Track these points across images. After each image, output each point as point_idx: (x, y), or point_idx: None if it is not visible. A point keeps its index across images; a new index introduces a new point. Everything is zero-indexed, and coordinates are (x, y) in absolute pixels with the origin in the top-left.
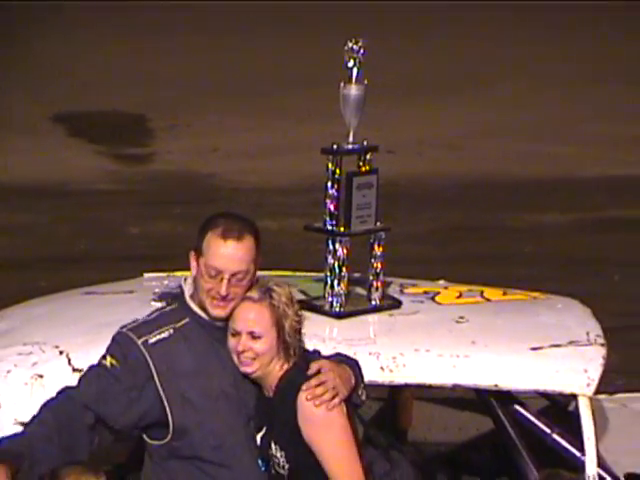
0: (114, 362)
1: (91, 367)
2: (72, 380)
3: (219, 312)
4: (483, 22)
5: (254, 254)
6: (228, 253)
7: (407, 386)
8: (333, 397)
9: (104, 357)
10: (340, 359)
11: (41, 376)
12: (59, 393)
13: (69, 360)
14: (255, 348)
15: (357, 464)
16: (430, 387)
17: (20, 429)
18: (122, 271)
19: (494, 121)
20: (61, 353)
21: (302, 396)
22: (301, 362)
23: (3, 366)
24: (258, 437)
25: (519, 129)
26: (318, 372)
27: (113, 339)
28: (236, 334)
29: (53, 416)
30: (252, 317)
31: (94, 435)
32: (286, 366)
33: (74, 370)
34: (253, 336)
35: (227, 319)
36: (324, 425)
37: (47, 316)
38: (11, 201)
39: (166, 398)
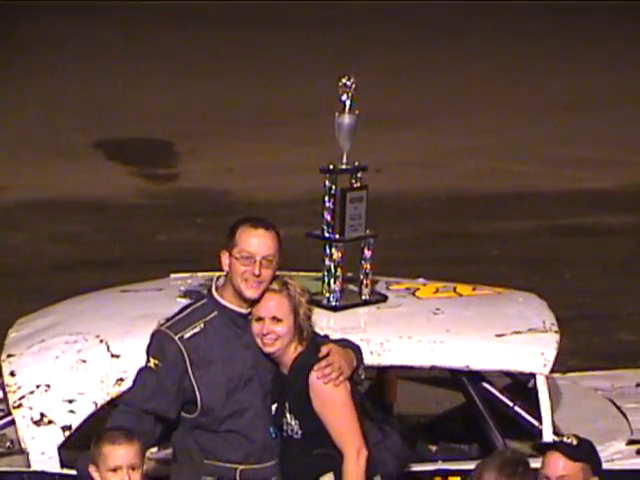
0: (157, 362)
1: (140, 370)
2: (110, 364)
3: (252, 292)
4: (452, 55)
5: (278, 245)
6: (259, 238)
7: (392, 367)
8: (338, 376)
9: (148, 359)
10: (345, 344)
11: (84, 361)
12: (122, 404)
13: (108, 347)
14: (277, 331)
15: (357, 431)
16: (411, 368)
17: (67, 407)
18: (152, 273)
19: (464, 144)
20: (101, 341)
21: (313, 375)
22: (312, 345)
23: (52, 352)
24: (273, 407)
25: (485, 150)
26: (327, 355)
27: (152, 337)
28: (260, 320)
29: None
30: (274, 304)
31: (156, 429)
32: (300, 348)
33: (112, 356)
34: (275, 320)
35: (253, 303)
36: (330, 399)
37: (89, 310)
38: (58, 214)
39: (197, 384)
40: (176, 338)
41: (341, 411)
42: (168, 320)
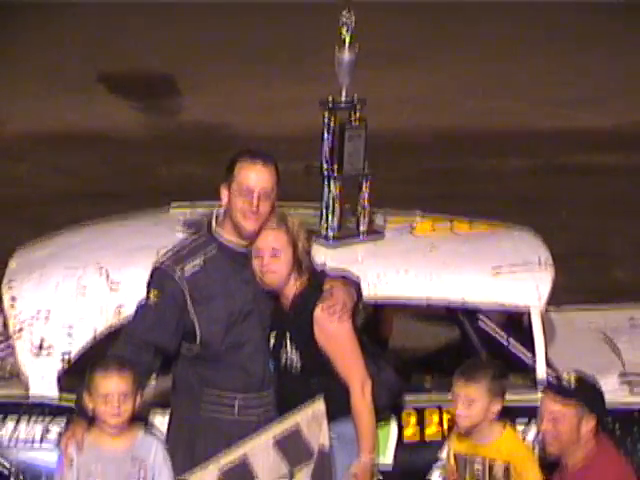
0: (157, 297)
1: (140, 305)
2: (108, 291)
3: (251, 225)
4: None
5: (276, 178)
6: (257, 172)
7: (388, 301)
8: (342, 312)
9: (148, 294)
10: (344, 278)
11: (84, 288)
12: (123, 335)
13: (107, 275)
14: (275, 265)
15: (361, 364)
16: (408, 301)
17: (66, 333)
18: (152, 204)
19: (464, 83)
20: (101, 269)
21: (318, 311)
22: (314, 280)
23: (53, 280)
24: (272, 340)
25: (485, 90)
26: (331, 291)
27: (153, 273)
28: (259, 254)
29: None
30: (272, 239)
31: (155, 360)
32: (300, 282)
33: (111, 283)
34: (274, 254)
35: (252, 237)
36: (335, 334)
37: (89, 240)
38: (60, 147)
39: (197, 319)
40: (176, 274)
41: (346, 345)
42: (169, 256)
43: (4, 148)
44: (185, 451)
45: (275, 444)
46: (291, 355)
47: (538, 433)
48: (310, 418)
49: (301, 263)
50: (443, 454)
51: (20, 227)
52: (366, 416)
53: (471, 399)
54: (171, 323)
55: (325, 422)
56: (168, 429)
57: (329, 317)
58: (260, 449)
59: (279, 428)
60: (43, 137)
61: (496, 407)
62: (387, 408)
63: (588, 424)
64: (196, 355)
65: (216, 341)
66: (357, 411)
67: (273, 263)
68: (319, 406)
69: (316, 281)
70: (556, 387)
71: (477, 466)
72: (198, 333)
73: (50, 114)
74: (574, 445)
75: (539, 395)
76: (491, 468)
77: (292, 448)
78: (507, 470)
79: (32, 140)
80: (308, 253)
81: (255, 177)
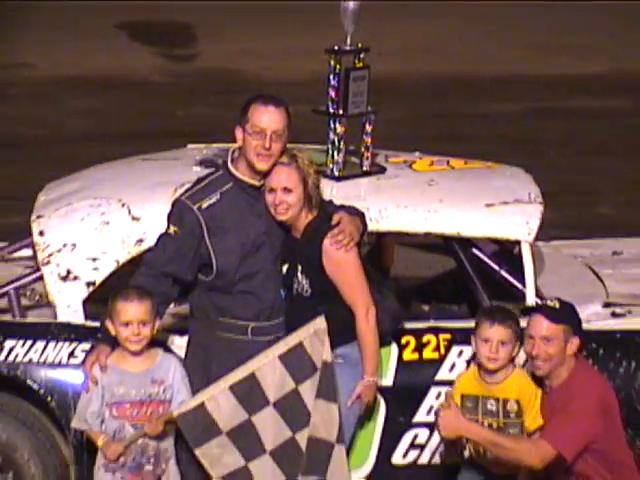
0: (177, 229)
1: (160, 237)
2: (131, 226)
3: (263, 165)
4: None
5: (288, 120)
6: (269, 114)
7: (389, 233)
8: (349, 243)
9: (168, 226)
10: (351, 211)
11: (107, 223)
12: (143, 266)
13: (129, 210)
14: (288, 200)
15: (366, 291)
16: (407, 234)
17: (91, 264)
18: (170, 144)
19: (461, 32)
20: (123, 205)
21: (327, 242)
22: (323, 213)
23: (78, 215)
24: (284, 269)
25: (480, 38)
26: (339, 223)
27: (173, 206)
28: (272, 190)
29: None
30: (284, 176)
31: (174, 289)
32: (311, 215)
33: (133, 218)
34: (286, 190)
35: (265, 175)
36: (343, 263)
37: (112, 177)
38: (83, 90)
39: (212, 250)
40: (194, 207)
41: (352, 274)
42: (187, 190)
43: (33, 92)
44: (201, 372)
45: (281, 361)
46: (301, 283)
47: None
48: (312, 335)
49: (311, 198)
50: (438, 376)
51: (48, 165)
52: (370, 340)
53: (504, 343)
54: (189, 254)
55: (327, 339)
56: (186, 352)
57: (337, 247)
58: (267, 366)
59: (284, 346)
60: (69, 81)
61: (517, 350)
62: (389, 333)
63: (573, 345)
64: (212, 284)
65: (230, 271)
66: (362, 335)
67: (286, 198)
68: (321, 324)
69: (325, 214)
70: (547, 312)
71: (490, 406)
72: (214, 263)
73: (75, 60)
74: (561, 366)
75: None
76: (504, 405)
77: (297, 364)
78: (518, 405)
79: (58, 84)
80: (317, 188)
81: (267, 119)
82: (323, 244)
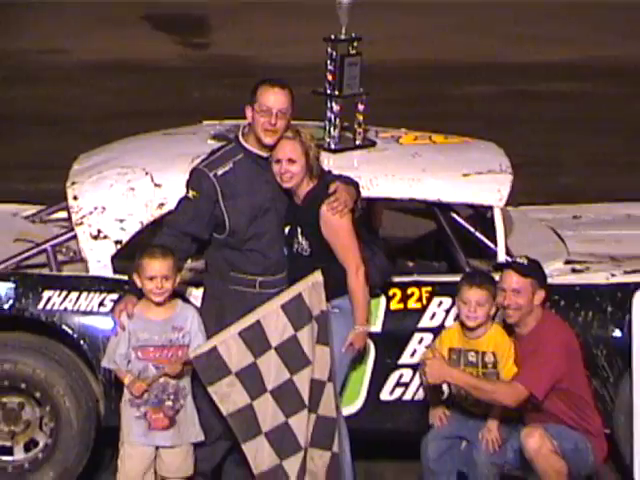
0: (195, 194)
1: (181, 200)
2: (153, 191)
3: (270, 139)
4: None
5: (291, 101)
6: (275, 95)
7: (379, 199)
8: (344, 209)
9: (187, 191)
10: (346, 180)
11: (133, 189)
12: (166, 226)
13: (152, 178)
14: (292, 170)
15: (357, 253)
16: (394, 200)
17: (118, 225)
18: (188, 121)
19: (444, 22)
20: (146, 173)
21: (324, 207)
22: (321, 182)
23: (107, 181)
24: (286, 230)
25: (461, 28)
26: (335, 191)
27: (192, 173)
28: (279, 161)
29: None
30: (289, 148)
31: (192, 247)
32: (311, 184)
33: (155, 185)
34: (290, 161)
35: (272, 148)
36: (337, 227)
37: (137, 149)
38: (111, 73)
39: (226, 212)
40: (211, 175)
41: (345, 237)
42: (204, 160)
43: (67, 74)
44: (215, 320)
45: (282, 310)
46: (301, 244)
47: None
48: (310, 287)
49: (312, 168)
50: (420, 324)
51: (81, 138)
52: (360, 293)
53: (481, 303)
54: (205, 216)
55: (323, 291)
56: (201, 303)
57: (332, 213)
58: (270, 314)
59: (285, 297)
60: (99, 65)
61: (494, 309)
62: (378, 286)
63: (539, 297)
64: (224, 242)
65: (241, 231)
66: (352, 289)
67: (290, 168)
68: (317, 278)
69: (324, 183)
70: (517, 267)
71: (471, 358)
72: (227, 223)
73: (104, 47)
74: (529, 315)
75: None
76: (483, 356)
77: (296, 312)
78: (495, 356)
79: (90, 68)
80: (317, 160)
81: (274, 99)
82: (321, 210)
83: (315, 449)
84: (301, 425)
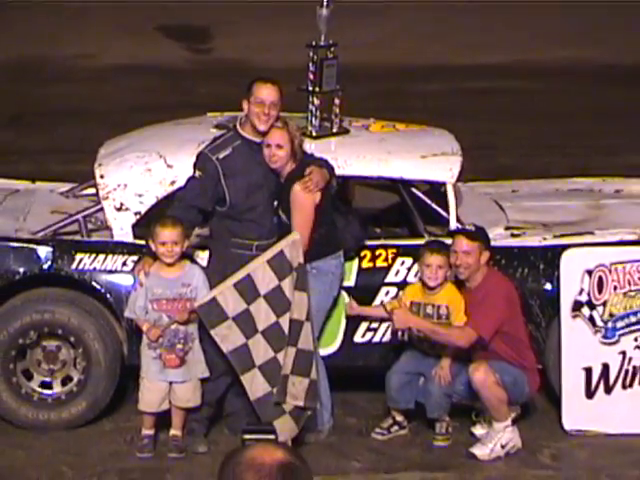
0: (200, 173)
1: (189, 179)
2: (166, 171)
3: (264, 126)
4: None
5: (281, 95)
6: (268, 89)
7: (352, 177)
8: (314, 188)
9: (194, 171)
10: (321, 163)
11: (149, 169)
12: (176, 200)
13: (165, 160)
14: (279, 154)
15: (307, 232)
16: (365, 177)
17: (138, 199)
18: (194, 113)
19: (407, 30)
20: (161, 156)
21: (295, 186)
22: (301, 165)
23: (128, 163)
24: (275, 204)
25: (420, 35)
26: (310, 172)
27: (198, 157)
28: (268, 146)
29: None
30: (278, 135)
31: (198, 217)
32: (294, 166)
33: (168, 166)
34: (278, 147)
35: (264, 134)
36: (299, 206)
37: (153, 136)
38: (131, 74)
39: (226, 188)
40: (213, 158)
41: (303, 216)
42: (208, 145)
43: (94, 75)
44: (218, 277)
45: (268, 264)
46: (282, 214)
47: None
48: (290, 244)
49: (296, 154)
50: (387, 279)
51: (106, 128)
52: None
53: (441, 266)
54: (209, 191)
55: (301, 247)
56: (207, 263)
57: (305, 190)
58: (258, 268)
59: (270, 253)
60: (120, 67)
61: (449, 271)
62: (352, 249)
63: (484, 257)
64: (225, 214)
65: (239, 203)
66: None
67: (278, 152)
68: (295, 236)
69: (302, 167)
70: (466, 233)
71: (429, 310)
72: (227, 198)
73: (125, 52)
74: (477, 272)
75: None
76: (438, 309)
77: (279, 265)
78: (448, 309)
79: (113, 69)
80: (301, 147)
81: (266, 92)
82: (292, 187)
83: (296, 376)
84: (290, 361)
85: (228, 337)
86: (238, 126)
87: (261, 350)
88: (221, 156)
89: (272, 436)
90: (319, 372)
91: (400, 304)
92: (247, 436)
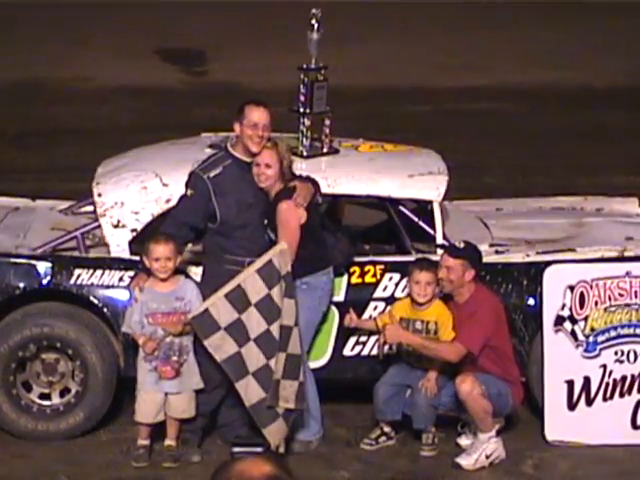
0: (192, 192)
1: (181, 197)
2: (162, 190)
3: (256, 148)
4: None
5: (271, 117)
6: (259, 112)
7: (342, 195)
8: (303, 203)
9: (186, 190)
10: (306, 179)
11: (145, 187)
12: (169, 218)
13: (161, 179)
14: (267, 173)
15: (291, 241)
16: (354, 196)
17: (134, 216)
18: (190, 133)
19: (391, 54)
20: (156, 175)
21: (282, 204)
22: (290, 185)
23: (125, 182)
24: (265, 222)
25: (405, 59)
26: (294, 187)
27: (190, 176)
28: (258, 165)
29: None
30: (267, 156)
31: (190, 234)
32: (282, 186)
33: (163, 184)
34: (267, 166)
35: (255, 155)
36: (283, 222)
37: (149, 156)
38: (129, 95)
39: (217, 206)
40: (204, 176)
41: (287, 231)
42: (200, 164)
43: (93, 96)
44: (211, 293)
45: (257, 273)
46: (271, 233)
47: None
48: (278, 254)
49: (284, 174)
50: (375, 295)
51: (104, 147)
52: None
53: (429, 283)
54: (201, 210)
55: (289, 257)
56: (201, 278)
57: (295, 205)
58: (249, 278)
59: (259, 263)
60: (118, 89)
61: (438, 288)
62: (342, 265)
63: (469, 274)
64: (217, 231)
65: (230, 220)
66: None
67: (266, 171)
68: (283, 246)
69: (290, 187)
70: (449, 249)
71: (418, 326)
72: (218, 215)
73: (123, 74)
74: (461, 288)
75: (439, 254)
76: (427, 325)
77: (268, 274)
78: (436, 325)
79: (112, 91)
80: (290, 168)
81: (258, 115)
82: (278, 205)
83: (286, 380)
84: (281, 366)
85: (221, 347)
86: (229, 146)
87: (254, 358)
88: (212, 175)
89: (260, 449)
90: (308, 382)
91: (392, 319)
92: (236, 449)
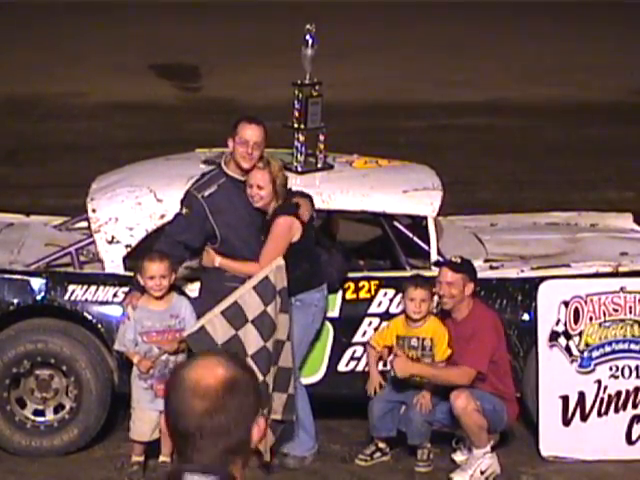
0: (187, 211)
1: (176, 215)
2: (156, 205)
3: (247, 165)
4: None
5: (265, 136)
6: (252, 130)
7: (336, 211)
8: (304, 216)
9: (181, 209)
10: (301, 196)
11: (140, 203)
12: (163, 236)
13: (155, 195)
14: (260, 193)
15: (273, 254)
16: (348, 212)
17: (128, 232)
18: (184, 149)
19: (385, 71)
20: (151, 191)
21: (280, 218)
22: (285, 201)
23: (119, 197)
24: (262, 238)
25: (398, 75)
26: (298, 204)
27: (185, 194)
28: (251, 186)
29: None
30: (259, 176)
31: (185, 253)
32: (276, 204)
33: (157, 200)
34: (259, 187)
35: (248, 171)
36: (277, 233)
37: (143, 171)
38: (123, 111)
39: (216, 225)
40: (199, 196)
41: (275, 244)
42: (194, 183)
43: (88, 112)
44: (209, 309)
45: (254, 290)
46: None
47: (436, 295)
48: (275, 270)
49: (277, 193)
50: (370, 310)
51: (98, 163)
52: (252, 270)
53: (424, 300)
54: (195, 228)
55: (284, 272)
56: (199, 294)
57: (284, 222)
58: (245, 295)
59: (256, 279)
60: (112, 104)
61: (433, 304)
62: (337, 282)
63: (469, 288)
64: (218, 250)
65: (231, 239)
66: (255, 269)
67: (259, 192)
68: (280, 262)
69: (288, 202)
70: (450, 265)
71: (413, 342)
72: (218, 235)
73: (118, 90)
74: (461, 303)
75: (433, 270)
76: (422, 341)
77: (264, 291)
78: (432, 341)
79: (106, 106)
80: (284, 186)
81: (250, 133)
82: (276, 218)
83: (277, 392)
84: (271, 379)
85: None
86: (223, 164)
87: None
88: (206, 194)
89: None
90: (302, 398)
91: (398, 353)
92: None
